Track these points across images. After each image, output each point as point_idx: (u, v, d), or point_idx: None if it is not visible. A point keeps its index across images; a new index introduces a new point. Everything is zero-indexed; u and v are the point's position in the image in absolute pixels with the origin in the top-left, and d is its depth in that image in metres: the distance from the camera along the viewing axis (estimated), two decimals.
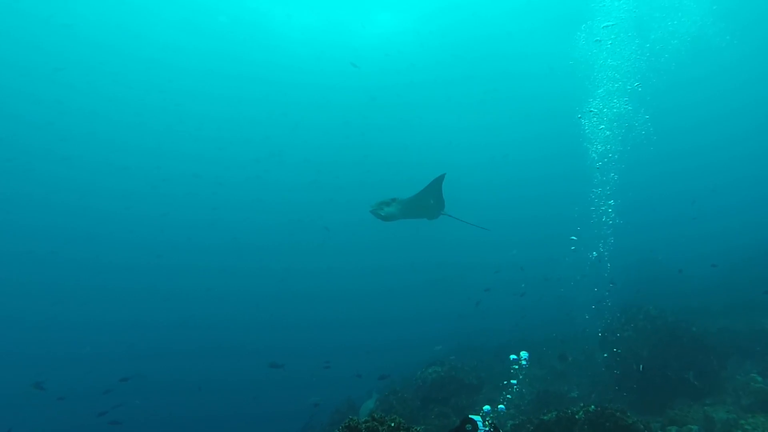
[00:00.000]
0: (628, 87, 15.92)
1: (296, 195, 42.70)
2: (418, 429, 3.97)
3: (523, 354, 7.73)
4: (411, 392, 9.68)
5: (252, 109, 34.34)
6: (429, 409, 8.87)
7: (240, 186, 41.62)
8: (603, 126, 15.37)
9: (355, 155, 39.66)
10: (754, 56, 29.68)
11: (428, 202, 9.19)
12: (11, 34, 24.16)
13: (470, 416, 3.61)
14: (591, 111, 15.62)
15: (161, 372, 24.44)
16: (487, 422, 3.56)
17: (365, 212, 9.26)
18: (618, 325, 10.25)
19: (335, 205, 39.19)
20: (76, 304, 33.95)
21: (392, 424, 3.83)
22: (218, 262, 40.01)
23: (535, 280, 19.96)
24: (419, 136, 38.80)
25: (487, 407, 6.30)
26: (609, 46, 16.08)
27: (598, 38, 16.13)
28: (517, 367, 7.21)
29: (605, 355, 10.44)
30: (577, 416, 5.93)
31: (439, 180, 8.82)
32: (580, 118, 16.12)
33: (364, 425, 3.78)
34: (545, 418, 6.21)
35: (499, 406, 6.91)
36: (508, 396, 8.84)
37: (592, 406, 5.95)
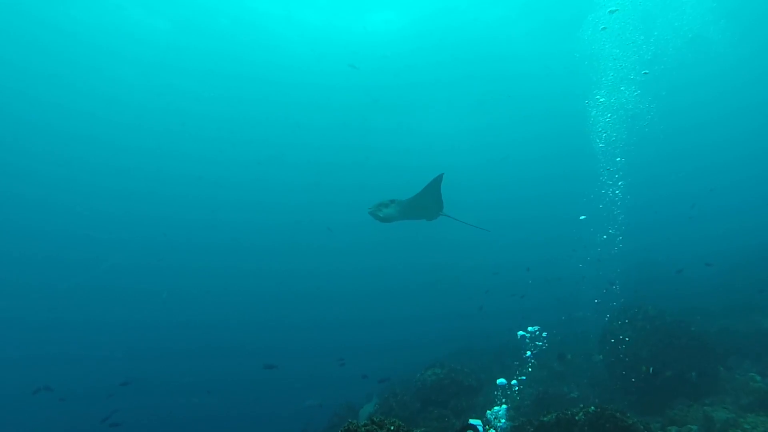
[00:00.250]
0: (633, 76, 16.07)
1: (296, 196, 42.80)
2: None
3: (531, 328, 7.71)
4: (411, 394, 9.66)
5: (254, 111, 34.35)
6: (429, 412, 8.85)
7: (241, 187, 41.70)
8: (609, 115, 15.58)
9: (353, 156, 39.73)
10: (754, 56, 29.75)
11: (427, 202, 9.14)
12: (11, 36, 24.16)
13: (470, 421, 3.61)
14: (598, 99, 15.81)
15: (161, 373, 24.44)
16: (488, 427, 3.56)
17: (364, 213, 9.23)
18: (617, 326, 10.24)
19: (335, 207, 39.24)
20: (76, 305, 34.01)
21: (392, 428, 3.82)
22: (218, 264, 40.13)
23: (536, 282, 19.97)
24: (418, 136, 38.84)
25: (489, 412, 6.26)
26: (613, 37, 16.22)
27: (605, 27, 16.25)
28: (528, 342, 7.17)
29: (603, 356, 10.44)
30: (576, 417, 5.91)
31: (437, 180, 8.72)
32: (587, 103, 16.29)
33: (363, 429, 3.77)
34: (545, 419, 6.20)
35: (498, 408, 6.90)
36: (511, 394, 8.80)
37: (592, 407, 5.94)
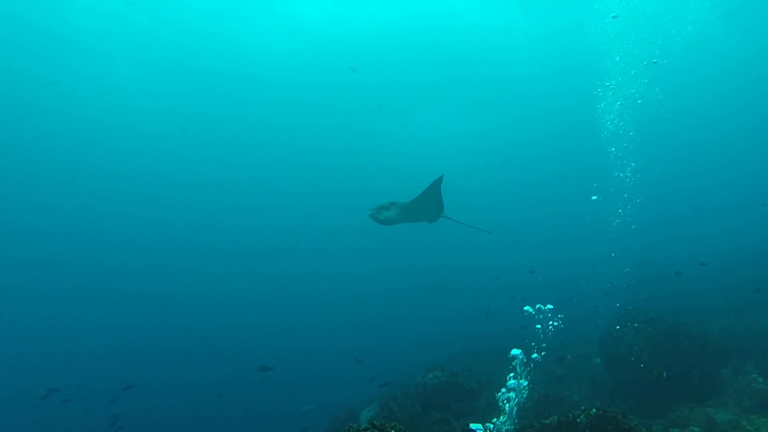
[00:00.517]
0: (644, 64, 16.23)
1: (296, 199, 42.91)
2: None
3: (540, 306, 7.64)
4: (411, 398, 9.61)
5: (257, 114, 34.46)
6: (430, 415, 8.81)
7: (243, 190, 41.84)
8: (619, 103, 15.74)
9: (351, 159, 39.85)
10: (755, 56, 29.88)
11: (427, 205, 9.11)
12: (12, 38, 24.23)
13: (471, 426, 3.58)
14: (608, 85, 16.02)
15: (163, 376, 24.37)
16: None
17: (364, 216, 9.20)
18: (618, 328, 10.22)
19: (333, 209, 39.29)
20: (76, 307, 33.97)
21: None
22: (220, 267, 40.15)
23: (538, 284, 19.94)
24: (418, 139, 38.94)
25: (489, 425, 6.23)
26: (621, 28, 16.43)
27: (615, 15, 16.51)
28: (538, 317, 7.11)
29: (604, 358, 10.41)
30: (578, 420, 5.89)
31: (437, 182, 8.70)
32: (599, 91, 16.49)
33: None
34: (546, 422, 6.17)
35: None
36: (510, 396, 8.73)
37: (594, 410, 5.91)
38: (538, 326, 7.85)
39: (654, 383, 8.39)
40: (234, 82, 30.85)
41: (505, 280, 21.10)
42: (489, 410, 8.46)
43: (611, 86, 17.37)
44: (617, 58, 17.60)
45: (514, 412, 6.34)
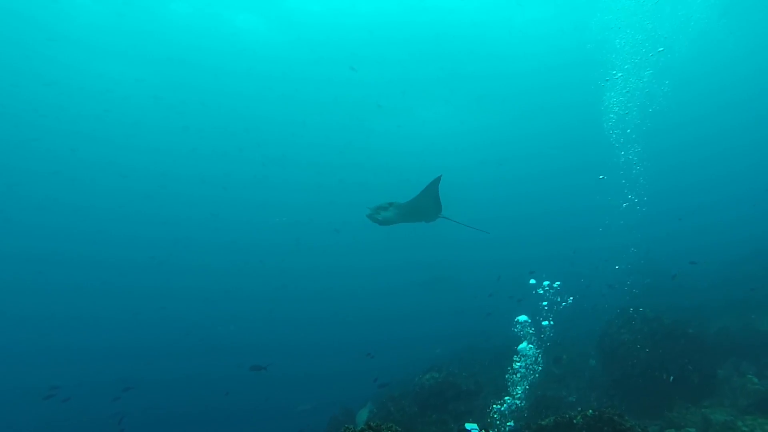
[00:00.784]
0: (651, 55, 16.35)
1: (294, 196, 42.94)
2: None
3: (546, 283, 7.65)
4: (409, 399, 9.62)
5: (258, 112, 34.41)
6: (427, 416, 8.81)
7: (243, 188, 41.86)
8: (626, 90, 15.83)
9: (350, 158, 39.84)
10: (756, 54, 29.92)
11: (425, 205, 9.09)
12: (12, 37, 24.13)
13: (466, 426, 3.59)
14: (614, 75, 16.13)
15: (161, 373, 24.38)
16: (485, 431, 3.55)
17: (362, 214, 9.19)
18: (615, 328, 10.24)
19: (336, 207, 39.28)
20: (75, 304, 33.99)
21: None
22: (220, 263, 40.24)
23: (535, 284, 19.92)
24: (416, 136, 38.92)
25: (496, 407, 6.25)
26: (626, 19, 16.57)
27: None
28: (543, 292, 7.13)
29: (601, 359, 10.43)
30: (575, 421, 5.89)
31: (435, 183, 8.67)
32: (607, 81, 16.61)
33: None
34: (543, 423, 6.17)
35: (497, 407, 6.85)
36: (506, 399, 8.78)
37: (590, 411, 5.92)
38: (545, 303, 7.86)
39: (651, 383, 8.41)
40: (231, 78, 30.74)
41: (504, 278, 21.10)
42: (486, 410, 8.48)
43: (611, 79, 17.41)
44: (619, 54, 17.68)
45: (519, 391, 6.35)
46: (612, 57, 18.09)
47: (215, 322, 32.31)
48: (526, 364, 6.44)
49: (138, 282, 37.68)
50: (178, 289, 37.52)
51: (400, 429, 4.12)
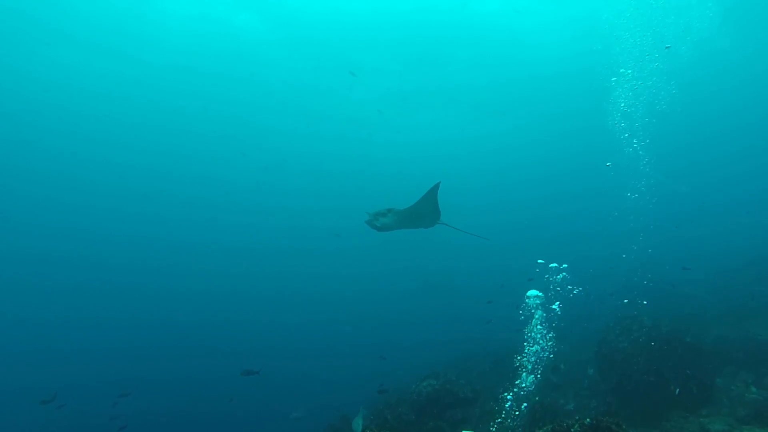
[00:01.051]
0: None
1: (292, 201, 42.99)
2: None
3: (553, 264, 7.61)
4: (406, 406, 9.57)
5: (260, 116, 34.52)
6: (424, 423, 8.77)
7: (243, 191, 41.91)
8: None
9: (351, 163, 39.93)
10: (757, 59, 30.10)
11: (424, 211, 9.06)
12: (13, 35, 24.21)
13: None
14: (623, 70, 16.26)
15: (157, 375, 24.25)
16: None
17: (360, 219, 9.16)
18: (613, 336, 10.22)
19: (336, 212, 39.27)
20: (75, 305, 33.86)
21: None
22: (219, 266, 40.14)
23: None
24: (416, 143, 39.03)
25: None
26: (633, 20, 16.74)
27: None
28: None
29: (599, 367, 10.40)
30: (572, 429, 5.85)
31: (434, 189, 8.65)
32: (614, 80, 16.74)
33: None
34: (540, 431, 6.14)
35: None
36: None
37: (588, 419, 5.88)
38: (556, 305, 7.84)
39: (648, 392, 8.38)
40: (233, 81, 30.85)
41: (505, 285, 21.06)
42: (483, 418, 8.44)
43: (619, 78, 17.51)
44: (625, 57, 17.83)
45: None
46: (616, 59, 18.24)
47: (214, 325, 32.14)
48: (536, 305, 6.42)
49: (137, 283, 37.57)
50: (177, 290, 37.40)
51: None
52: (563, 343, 13.58)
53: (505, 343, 15.23)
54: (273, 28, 25.97)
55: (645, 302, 13.23)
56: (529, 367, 6.37)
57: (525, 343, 6.52)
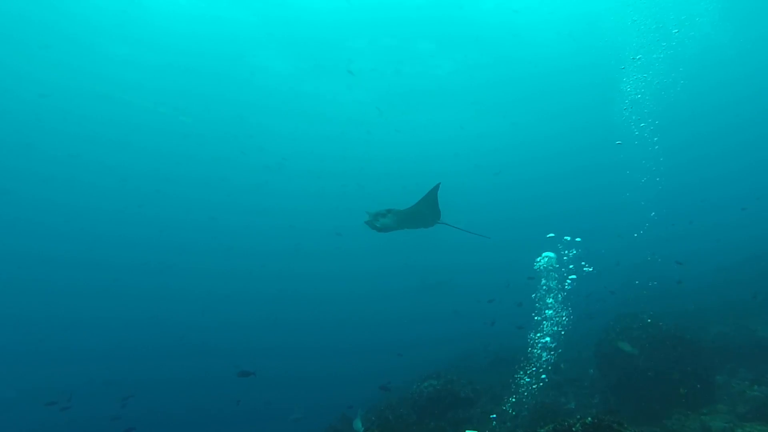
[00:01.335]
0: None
1: (292, 201, 43.00)
2: None
3: (567, 237, 7.60)
4: (407, 406, 9.58)
5: (261, 116, 34.50)
6: (425, 424, 8.77)
7: (243, 192, 41.92)
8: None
9: (352, 163, 39.93)
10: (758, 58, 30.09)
11: (424, 212, 9.06)
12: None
13: None
14: (634, 58, 16.29)
15: (157, 375, 24.28)
16: None
17: (360, 219, 9.16)
18: (613, 334, 10.21)
19: (336, 212, 39.30)
20: (75, 306, 33.91)
21: None
22: (219, 266, 40.20)
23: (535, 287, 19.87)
24: (417, 142, 39.01)
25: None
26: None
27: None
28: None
29: (599, 366, 10.40)
30: (573, 428, 5.85)
31: (434, 190, 8.66)
32: (623, 68, 16.86)
33: None
34: (541, 430, 6.14)
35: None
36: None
37: (589, 418, 5.88)
38: (569, 279, 7.81)
39: (649, 390, 8.39)
40: (233, 83, 30.85)
41: (505, 282, 21.07)
42: (484, 418, 8.44)
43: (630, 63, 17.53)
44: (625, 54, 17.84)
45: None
46: (616, 57, 18.22)
47: (214, 325, 32.20)
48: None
49: (138, 283, 37.66)
50: (177, 290, 37.47)
51: None
52: (564, 342, 13.59)
53: (507, 341, 15.27)
54: (271, 26, 25.94)
55: (640, 293, 13.23)
56: (547, 339, 6.37)
57: (536, 304, 6.53)
